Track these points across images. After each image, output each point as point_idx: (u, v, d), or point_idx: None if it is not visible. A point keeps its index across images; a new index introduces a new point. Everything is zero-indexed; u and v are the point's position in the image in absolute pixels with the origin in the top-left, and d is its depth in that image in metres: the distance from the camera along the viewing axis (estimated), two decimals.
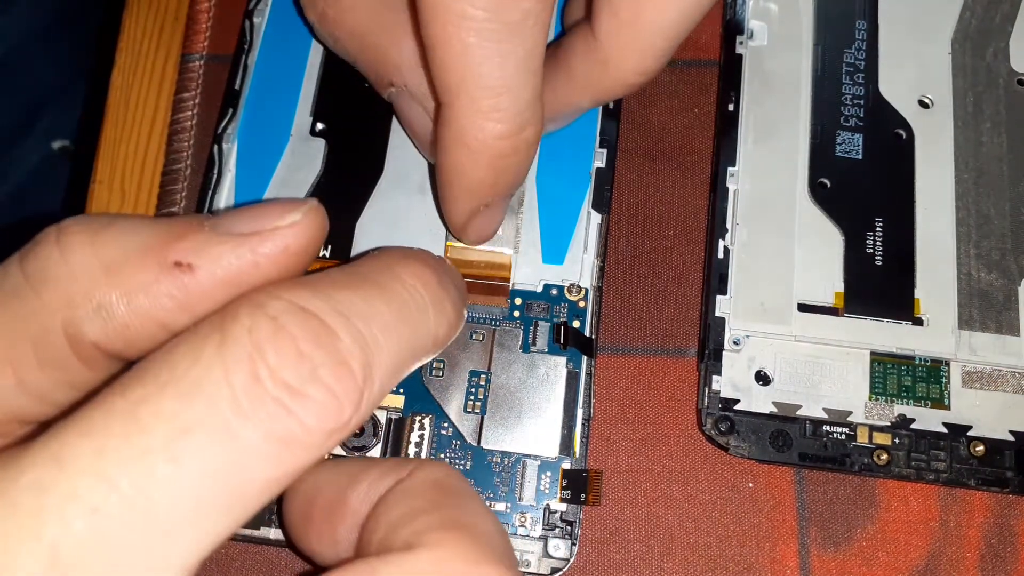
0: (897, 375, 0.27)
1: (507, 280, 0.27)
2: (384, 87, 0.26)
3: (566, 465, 0.26)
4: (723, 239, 0.28)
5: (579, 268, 0.27)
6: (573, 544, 0.25)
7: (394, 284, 0.17)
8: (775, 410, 0.26)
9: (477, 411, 0.26)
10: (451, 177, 0.23)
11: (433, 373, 0.26)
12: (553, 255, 0.27)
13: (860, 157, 0.28)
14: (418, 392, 0.26)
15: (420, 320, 0.17)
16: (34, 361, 0.16)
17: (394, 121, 0.29)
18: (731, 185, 0.28)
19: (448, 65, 0.21)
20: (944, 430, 0.26)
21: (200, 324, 0.15)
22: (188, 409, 0.14)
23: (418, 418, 0.26)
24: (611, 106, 0.29)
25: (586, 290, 0.27)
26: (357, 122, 0.29)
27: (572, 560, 0.25)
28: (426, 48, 0.21)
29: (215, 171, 0.28)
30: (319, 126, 0.29)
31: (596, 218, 0.28)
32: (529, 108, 0.22)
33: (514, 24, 0.20)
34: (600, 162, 0.28)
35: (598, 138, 0.28)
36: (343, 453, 0.26)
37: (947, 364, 0.27)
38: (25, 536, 0.13)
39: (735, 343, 0.27)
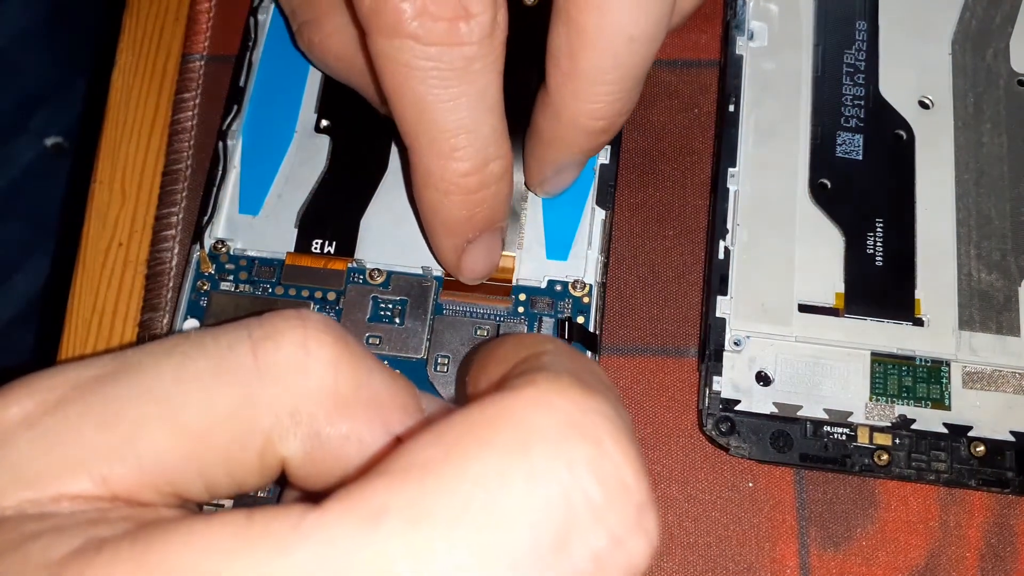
0: (898, 376, 0.27)
1: (509, 281, 0.27)
2: (384, 105, 0.26)
3: None
4: (724, 240, 0.28)
5: (583, 264, 0.27)
6: None
7: None
8: (776, 411, 0.26)
9: None
10: (429, 217, 0.24)
11: (438, 369, 0.26)
12: (557, 251, 0.27)
13: (860, 158, 0.29)
14: (423, 387, 0.26)
15: None
16: (224, 452, 0.15)
17: None
18: (731, 186, 0.28)
19: (404, 112, 0.22)
20: (944, 431, 0.26)
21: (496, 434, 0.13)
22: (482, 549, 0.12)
23: None
24: None
25: (590, 286, 0.27)
26: (361, 119, 0.29)
27: None
28: (385, 96, 0.22)
29: (220, 167, 0.28)
30: (324, 123, 0.29)
31: (600, 214, 0.28)
32: (491, 143, 0.22)
33: (460, 69, 0.21)
34: (604, 158, 0.28)
35: None
36: None
37: (947, 365, 0.27)
38: None
39: (736, 344, 0.27)
